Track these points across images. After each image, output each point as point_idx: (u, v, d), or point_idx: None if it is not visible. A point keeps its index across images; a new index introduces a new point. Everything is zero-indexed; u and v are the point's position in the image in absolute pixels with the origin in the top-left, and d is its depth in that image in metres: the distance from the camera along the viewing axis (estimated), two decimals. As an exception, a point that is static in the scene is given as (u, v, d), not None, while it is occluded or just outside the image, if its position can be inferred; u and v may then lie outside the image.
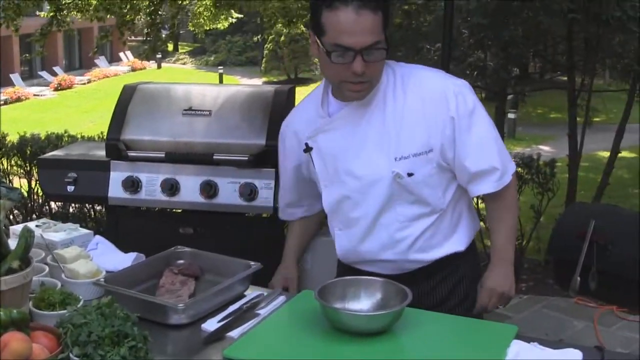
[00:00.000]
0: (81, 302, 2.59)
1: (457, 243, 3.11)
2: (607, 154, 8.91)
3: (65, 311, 2.46)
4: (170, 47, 40.97)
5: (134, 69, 39.23)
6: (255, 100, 4.90)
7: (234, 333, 2.54)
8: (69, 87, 35.62)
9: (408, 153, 2.88)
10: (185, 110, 4.82)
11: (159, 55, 36.32)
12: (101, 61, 39.09)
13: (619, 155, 8.86)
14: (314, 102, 3.11)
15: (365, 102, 2.92)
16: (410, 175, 2.90)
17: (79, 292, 2.70)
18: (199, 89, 5.12)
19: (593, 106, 8.65)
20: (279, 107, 4.79)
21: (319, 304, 2.51)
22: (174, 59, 43.02)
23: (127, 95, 4.97)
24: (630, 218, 5.46)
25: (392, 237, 3.02)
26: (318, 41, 2.80)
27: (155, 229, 4.62)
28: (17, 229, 3.16)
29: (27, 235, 2.58)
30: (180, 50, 45.55)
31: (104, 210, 6.98)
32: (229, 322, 2.60)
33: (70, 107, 30.77)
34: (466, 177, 2.98)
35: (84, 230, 3.35)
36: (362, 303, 2.65)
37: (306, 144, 3.08)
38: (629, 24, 6.54)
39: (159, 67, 39.42)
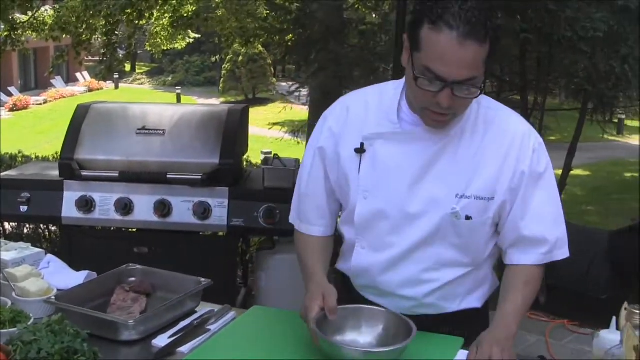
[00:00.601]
0: (32, 320, 2.58)
1: (476, 299, 2.81)
2: (561, 172, 9.00)
3: (15, 329, 2.46)
4: (128, 67, 40.89)
5: (91, 90, 39.03)
6: (209, 119, 4.95)
7: (185, 348, 2.56)
8: (25, 108, 35.36)
9: (471, 193, 2.58)
10: (139, 129, 4.86)
11: (116, 76, 36.25)
12: (57, 81, 38.84)
13: (573, 172, 8.97)
14: (387, 101, 2.67)
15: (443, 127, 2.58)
16: (468, 218, 2.60)
17: (29, 310, 2.70)
18: (152, 109, 5.15)
19: (546, 125, 8.73)
20: (232, 126, 4.85)
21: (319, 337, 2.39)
22: (131, 79, 42.89)
23: (81, 114, 5.01)
24: (579, 232, 5.55)
25: (419, 276, 2.72)
26: (410, 54, 2.44)
27: (110, 249, 4.63)
28: (-32, 250, 3.15)
29: (-22, 253, 2.58)
30: (137, 71, 45.43)
31: (58, 230, 6.97)
32: (180, 338, 2.61)
33: (25, 127, 30.58)
34: (512, 240, 2.67)
35: (36, 249, 3.34)
36: (362, 335, 2.53)
37: (362, 144, 2.66)
38: (580, 44, 6.63)
39: (117, 87, 39.26)
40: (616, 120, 23.23)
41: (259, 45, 23.99)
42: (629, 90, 7.65)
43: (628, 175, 17.28)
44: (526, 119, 7.30)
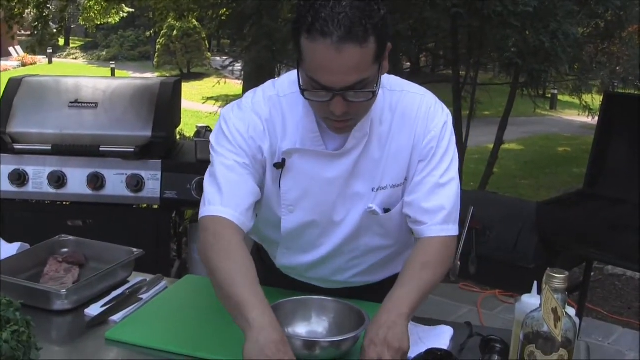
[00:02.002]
0: (-37, 291, 2.60)
1: (400, 264, 2.60)
2: (492, 145, 9.12)
3: (-54, 300, 2.48)
4: (62, 41, 40.39)
5: (24, 64, 38.46)
6: (141, 92, 4.94)
7: (117, 317, 2.59)
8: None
9: (386, 184, 2.54)
10: (71, 102, 4.85)
11: (49, 50, 35.77)
12: (-11, 56, 38.35)
13: (507, 147, 9.09)
14: (299, 107, 2.48)
15: (360, 127, 2.45)
16: (386, 211, 2.58)
17: (-39, 281, 2.71)
18: (85, 82, 5.13)
19: (478, 99, 8.82)
20: (164, 99, 4.85)
21: None
22: (65, 53, 42.32)
23: (13, 88, 4.97)
24: (508, 203, 5.66)
25: (348, 264, 2.73)
26: (297, 64, 2.27)
27: (43, 222, 4.61)
28: None
29: None
30: (71, 45, 44.85)
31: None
32: (112, 307, 2.64)
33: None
34: (412, 212, 2.55)
35: (-33, 222, 3.36)
36: (312, 325, 2.46)
37: (283, 160, 2.51)
38: (510, 18, 6.71)
39: (50, 62, 38.72)
40: (549, 96, 23.49)
41: (194, 20, 23.83)
42: (559, 64, 7.75)
43: (561, 149, 17.50)
44: (458, 93, 7.33)
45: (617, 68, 10.08)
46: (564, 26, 7.06)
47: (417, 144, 2.49)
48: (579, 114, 12.18)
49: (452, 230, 2.51)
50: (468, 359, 2.23)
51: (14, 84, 5.00)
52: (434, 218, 2.48)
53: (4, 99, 4.89)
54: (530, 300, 2.10)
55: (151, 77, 30.64)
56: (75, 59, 41.29)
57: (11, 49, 40.58)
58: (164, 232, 4.84)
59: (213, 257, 2.31)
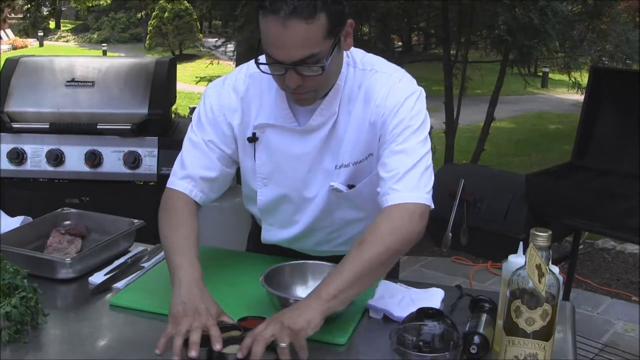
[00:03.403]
0: (-29, 261, 2.69)
1: None
2: (482, 126, 9.21)
3: (-45, 269, 2.56)
4: (52, 24, 40.30)
5: (15, 47, 38.33)
6: (137, 71, 5.02)
7: (120, 284, 2.68)
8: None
9: (349, 161, 2.62)
10: (68, 81, 4.92)
11: (40, 33, 35.64)
12: (-21, 39, 38.25)
13: (498, 125, 9.19)
14: (273, 85, 2.56)
15: (328, 106, 2.57)
16: (350, 187, 2.66)
17: (-32, 253, 2.79)
18: (81, 61, 5.20)
19: (469, 77, 8.91)
20: (160, 77, 4.92)
21: (266, 292, 2.44)
22: (56, 36, 42.19)
23: (10, 68, 5.03)
24: (498, 176, 5.74)
25: (328, 237, 2.85)
26: (259, 40, 2.38)
27: (42, 200, 4.68)
28: None
29: None
30: (62, 28, 44.71)
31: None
32: (115, 275, 2.74)
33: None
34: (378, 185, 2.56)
35: (-30, 196, 3.44)
36: (309, 289, 2.43)
37: (253, 133, 2.66)
38: (500, -5, 6.83)
39: (41, 45, 38.58)
40: (540, 74, 23.58)
41: (185, 1, 23.86)
42: (548, 41, 7.83)
43: (552, 127, 17.58)
44: (449, 71, 7.42)
45: (607, 46, 10.14)
46: (553, 3, 7.16)
47: (376, 120, 2.54)
48: (568, 91, 12.25)
49: (406, 197, 2.44)
50: (458, 317, 2.31)
51: (11, 64, 5.07)
52: (385, 186, 2.49)
53: (1, 79, 4.95)
54: (517, 260, 2.19)
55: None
56: (67, 41, 41.15)
57: (2, 32, 40.47)
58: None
59: (163, 227, 2.61)
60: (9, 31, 39.95)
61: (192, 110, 5.26)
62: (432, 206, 2.52)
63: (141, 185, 5.01)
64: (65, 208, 3.26)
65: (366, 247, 2.33)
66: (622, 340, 5.37)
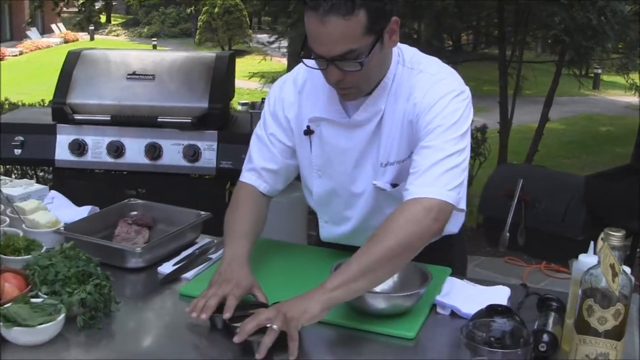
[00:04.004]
0: (44, 249, 2.73)
1: (452, 226, 2.85)
2: (537, 125, 9.17)
3: (30, 256, 2.62)
4: (103, 18, 40.55)
5: (66, 41, 38.62)
6: (197, 65, 5.07)
7: (189, 274, 2.73)
8: (0, 59, 35.05)
9: (394, 159, 2.66)
10: (129, 74, 4.98)
11: (91, 27, 35.94)
12: (33, 33, 38.44)
13: (549, 126, 9.15)
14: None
15: (374, 102, 2.62)
16: (394, 186, 2.68)
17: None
18: (142, 55, 5.26)
19: (524, 75, 8.90)
20: (220, 71, 4.97)
21: None
22: (106, 30, 42.50)
23: (72, 60, 5.10)
24: (555, 176, 5.75)
25: None
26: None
27: (101, 191, 4.75)
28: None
29: (-9, 185, 2.72)
30: (112, 22, 45.05)
31: (47, 174, 7.08)
32: (184, 265, 2.79)
33: (1, 79, 30.41)
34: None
35: (40, 185, 3.50)
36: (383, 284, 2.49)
37: (308, 127, 2.74)
38: (557, -5, 6.81)
39: (92, 39, 38.88)
40: (592, 75, 23.40)
41: (236, -3, 23.90)
42: (606, 42, 7.80)
43: (603, 129, 17.48)
44: (504, 71, 7.41)
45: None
46: (612, 3, 7.12)
47: (412, 118, 2.57)
48: (625, 92, 12.17)
49: (423, 192, 2.43)
50: (525, 316, 2.32)
51: (73, 57, 5.14)
52: (408, 180, 2.51)
53: (64, 71, 5.03)
54: (587, 260, 2.20)
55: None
56: (117, 35, 41.45)
57: (53, 26, 40.82)
58: (219, 201, 4.96)
59: (227, 211, 2.80)
60: (60, 25, 40.31)
61: (243, 105, 5.30)
62: (458, 205, 2.52)
63: (200, 178, 5.06)
64: (131, 199, 3.32)
65: (377, 241, 2.35)
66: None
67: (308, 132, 2.74)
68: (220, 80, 4.96)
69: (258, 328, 2.16)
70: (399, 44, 2.57)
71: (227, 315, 2.28)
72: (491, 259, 6.83)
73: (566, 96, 17.80)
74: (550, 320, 2.27)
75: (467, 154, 2.57)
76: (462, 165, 2.52)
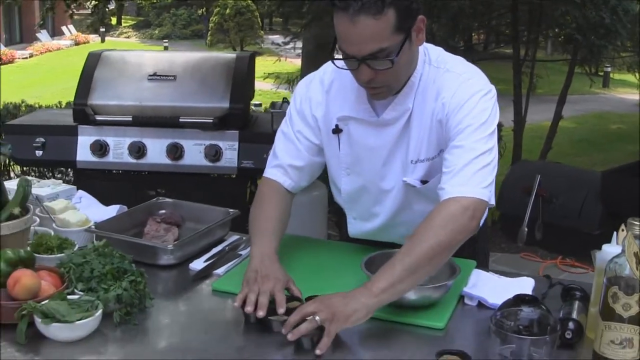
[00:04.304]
0: (76, 247, 2.80)
1: None
2: (550, 124, 9.22)
3: (63, 254, 2.69)
4: (114, 20, 40.67)
5: (77, 43, 38.68)
6: (217, 65, 5.13)
7: (220, 271, 2.80)
8: (11, 62, 34.91)
9: (424, 157, 2.71)
10: (150, 75, 5.04)
11: (102, 29, 36.05)
12: (43, 35, 38.48)
13: (561, 124, 9.20)
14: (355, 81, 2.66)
15: (402, 101, 2.68)
16: (424, 182, 2.74)
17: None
18: (162, 56, 5.35)
19: (537, 73, 8.95)
20: (240, 71, 5.03)
21: (365, 276, 2.52)
22: (117, 32, 42.61)
23: (93, 61, 5.18)
24: (571, 173, 5.80)
25: (412, 230, 2.63)
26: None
27: (123, 191, 4.80)
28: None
29: (24, 184, 2.78)
30: (123, 24, 45.16)
31: (67, 175, 7.14)
32: (215, 262, 2.86)
33: (13, 81, 30.48)
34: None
35: (67, 186, 3.56)
36: None
37: (336, 125, 2.80)
38: (570, -5, 6.87)
39: (103, 40, 38.95)
40: (602, 74, 23.40)
41: (248, -1, 23.96)
42: (617, 39, 7.85)
43: (614, 127, 17.51)
44: (518, 69, 7.46)
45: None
46: (624, 2, 7.18)
47: (441, 118, 2.62)
48: (637, 88, 12.18)
49: (460, 191, 2.50)
50: (550, 305, 2.38)
51: (94, 58, 5.21)
52: (443, 179, 2.57)
53: (85, 73, 5.10)
54: (611, 249, 2.26)
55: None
56: (128, 37, 41.52)
57: (64, 28, 40.89)
58: (240, 201, 5.02)
59: (251, 211, 2.86)
60: (71, 27, 40.39)
61: (256, 106, 5.37)
62: (491, 202, 2.58)
63: (220, 178, 5.12)
64: (160, 197, 3.38)
65: (418, 241, 2.40)
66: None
67: (337, 130, 2.79)
68: (241, 80, 5.02)
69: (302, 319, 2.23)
70: (424, 43, 2.62)
71: (281, 310, 2.35)
72: (507, 255, 6.88)
73: (577, 94, 17.80)
74: (575, 309, 2.34)
75: (496, 152, 2.62)
76: (493, 164, 2.59)
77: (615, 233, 2.32)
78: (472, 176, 2.52)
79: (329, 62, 2.79)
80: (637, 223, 2.05)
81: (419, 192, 2.76)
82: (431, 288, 2.46)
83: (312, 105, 2.82)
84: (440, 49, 2.78)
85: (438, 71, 2.67)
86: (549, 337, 2.09)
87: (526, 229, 4.95)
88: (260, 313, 2.34)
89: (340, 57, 2.51)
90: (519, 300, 2.32)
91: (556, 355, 2.14)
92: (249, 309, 2.35)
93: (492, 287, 2.61)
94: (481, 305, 2.56)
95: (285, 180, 2.88)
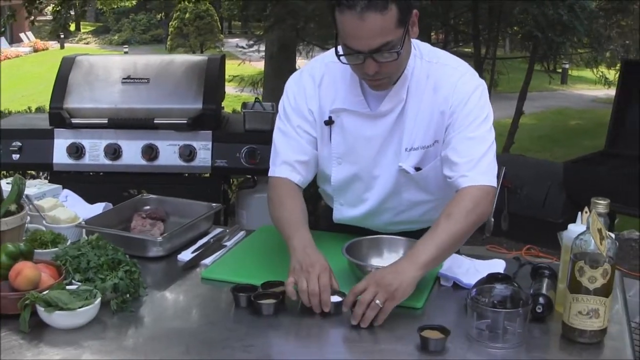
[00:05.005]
0: (68, 242, 2.93)
1: None
2: (510, 120, 9.40)
3: (57, 249, 2.82)
4: (73, 26, 40.46)
5: (36, 50, 38.48)
6: (189, 68, 5.25)
7: (207, 261, 2.95)
8: (-31, 69, 34.85)
9: (418, 145, 2.87)
10: (124, 78, 5.13)
11: (61, 35, 35.90)
12: (2, 42, 38.27)
13: (521, 121, 9.39)
14: (347, 73, 2.86)
15: (396, 93, 2.83)
16: (418, 169, 2.90)
17: (62, 236, 3.04)
18: (135, 59, 5.45)
19: (498, 71, 9.13)
20: (212, 73, 5.16)
21: (347, 261, 2.72)
22: (77, 38, 42.41)
23: (67, 66, 5.27)
24: (535, 164, 5.99)
25: (396, 217, 3.09)
26: (335, 34, 2.69)
27: (99, 192, 4.90)
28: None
29: (19, 182, 2.89)
30: (82, 30, 44.94)
31: (40, 179, 7.20)
32: (202, 253, 3.00)
33: (-26, 89, 30.31)
34: (445, 170, 2.82)
35: (54, 185, 3.66)
36: (385, 261, 2.78)
37: (330, 117, 2.93)
38: (528, -8, 7.06)
39: (62, 47, 38.68)
40: (560, 70, 23.70)
41: (207, 2, 23.99)
42: (575, 36, 8.05)
43: (573, 122, 17.76)
44: (479, 67, 7.62)
45: (627, 42, 10.33)
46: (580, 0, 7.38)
47: (445, 110, 2.80)
48: (595, 84, 12.41)
49: (481, 180, 2.72)
50: (521, 283, 2.55)
51: (68, 63, 5.31)
52: (461, 170, 2.74)
53: (59, 77, 5.19)
54: (576, 228, 2.43)
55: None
56: (87, 43, 41.35)
57: (22, 35, 40.63)
58: (215, 198, 5.13)
59: (272, 211, 2.93)
60: (29, 34, 40.15)
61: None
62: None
63: (196, 176, 5.24)
64: (144, 194, 3.51)
65: (453, 221, 2.61)
66: (655, 319, 5.59)
67: (329, 122, 2.92)
68: (213, 81, 5.15)
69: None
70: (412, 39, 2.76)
71: (326, 309, 2.49)
72: (474, 247, 7.03)
73: (536, 91, 18.07)
74: (544, 286, 2.52)
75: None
76: (495, 152, 2.86)
77: (579, 213, 2.49)
78: (489, 165, 2.78)
79: (316, 58, 3.04)
80: (601, 202, 2.23)
81: (410, 179, 2.93)
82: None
83: (307, 98, 2.95)
84: (427, 44, 2.96)
85: (431, 65, 2.85)
86: (521, 310, 2.26)
87: (492, 220, 5.11)
88: (326, 309, 2.48)
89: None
90: (492, 278, 2.49)
91: (528, 328, 2.31)
92: (317, 310, 2.48)
93: (466, 268, 2.79)
94: (456, 285, 2.74)
95: (294, 176, 2.97)
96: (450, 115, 2.79)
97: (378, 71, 2.64)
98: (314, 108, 2.94)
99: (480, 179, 2.72)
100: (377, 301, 2.37)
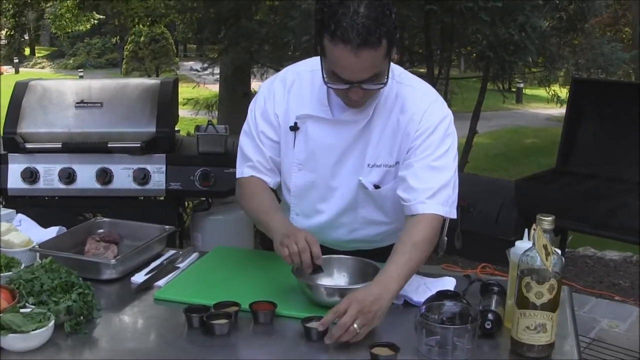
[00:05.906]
0: (22, 266, 2.93)
1: None
2: (465, 140, 9.47)
3: (11, 272, 2.81)
4: (27, 51, 40.27)
5: (-11, 75, 38.32)
6: (143, 91, 5.25)
7: (161, 282, 2.95)
8: None
9: (380, 162, 2.93)
10: (77, 103, 5.12)
11: (16, 60, 35.70)
12: (-45, 67, 38.07)
13: (477, 140, 9.47)
14: (318, 83, 2.88)
15: (365, 109, 2.89)
16: (377, 187, 2.96)
17: (16, 259, 3.04)
18: (89, 83, 5.44)
19: (451, 90, 9.20)
20: (165, 96, 5.15)
21: (297, 281, 2.76)
22: (31, 63, 42.19)
23: (20, 90, 5.24)
24: (488, 182, 6.06)
25: (350, 234, 3.13)
26: (320, 56, 2.75)
27: (54, 217, 4.89)
28: None
29: (-29, 208, 2.91)
30: (37, 54, 44.72)
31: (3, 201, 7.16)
32: (155, 275, 3.01)
33: None
34: (402, 190, 2.87)
35: (7, 210, 3.66)
36: (335, 280, 2.87)
37: (295, 123, 2.99)
38: (480, 13, 7.10)
39: (17, 72, 38.32)
40: (515, 90, 23.90)
41: (161, 25, 23.98)
42: (528, 56, 8.15)
43: (528, 141, 17.92)
44: (433, 87, 7.66)
45: (579, 61, 10.46)
46: (532, 19, 7.47)
47: (409, 132, 2.87)
48: (547, 102, 12.53)
49: (439, 210, 2.81)
50: (471, 301, 2.60)
51: (21, 87, 5.28)
52: (419, 196, 2.79)
53: (13, 102, 5.16)
54: (523, 245, 2.49)
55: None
56: (42, 67, 41.12)
57: (-24, 60, 40.28)
58: (170, 221, 5.13)
59: (244, 202, 3.11)
60: (-18, 58, 39.82)
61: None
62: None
63: (151, 199, 5.24)
64: (98, 217, 3.52)
65: (420, 250, 2.72)
66: (609, 335, 5.65)
67: (294, 128, 2.98)
68: (166, 105, 5.15)
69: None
70: None
71: (320, 261, 2.67)
72: (428, 266, 7.05)
73: (491, 111, 18.19)
74: (493, 302, 2.56)
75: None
76: (457, 181, 2.93)
77: (526, 230, 2.54)
78: (449, 197, 2.86)
79: (289, 67, 3.12)
80: (546, 218, 2.27)
81: (369, 196, 2.99)
82: (356, 289, 2.61)
83: (275, 102, 3.02)
84: (398, 66, 3.00)
85: (401, 86, 2.92)
86: (470, 326, 2.30)
87: (446, 238, 5.16)
88: (313, 266, 2.66)
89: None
90: (442, 295, 2.54)
91: (478, 344, 2.35)
92: (289, 260, 2.66)
93: (416, 286, 2.83)
94: (407, 303, 2.77)
95: (262, 176, 3.06)
96: (415, 139, 2.86)
97: (362, 96, 2.73)
98: (280, 112, 3.01)
99: (438, 209, 2.80)
100: (355, 326, 2.40)
